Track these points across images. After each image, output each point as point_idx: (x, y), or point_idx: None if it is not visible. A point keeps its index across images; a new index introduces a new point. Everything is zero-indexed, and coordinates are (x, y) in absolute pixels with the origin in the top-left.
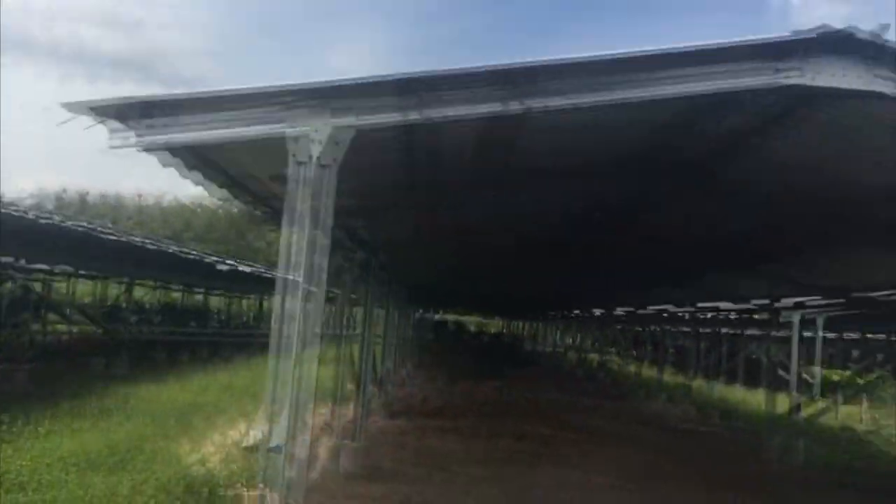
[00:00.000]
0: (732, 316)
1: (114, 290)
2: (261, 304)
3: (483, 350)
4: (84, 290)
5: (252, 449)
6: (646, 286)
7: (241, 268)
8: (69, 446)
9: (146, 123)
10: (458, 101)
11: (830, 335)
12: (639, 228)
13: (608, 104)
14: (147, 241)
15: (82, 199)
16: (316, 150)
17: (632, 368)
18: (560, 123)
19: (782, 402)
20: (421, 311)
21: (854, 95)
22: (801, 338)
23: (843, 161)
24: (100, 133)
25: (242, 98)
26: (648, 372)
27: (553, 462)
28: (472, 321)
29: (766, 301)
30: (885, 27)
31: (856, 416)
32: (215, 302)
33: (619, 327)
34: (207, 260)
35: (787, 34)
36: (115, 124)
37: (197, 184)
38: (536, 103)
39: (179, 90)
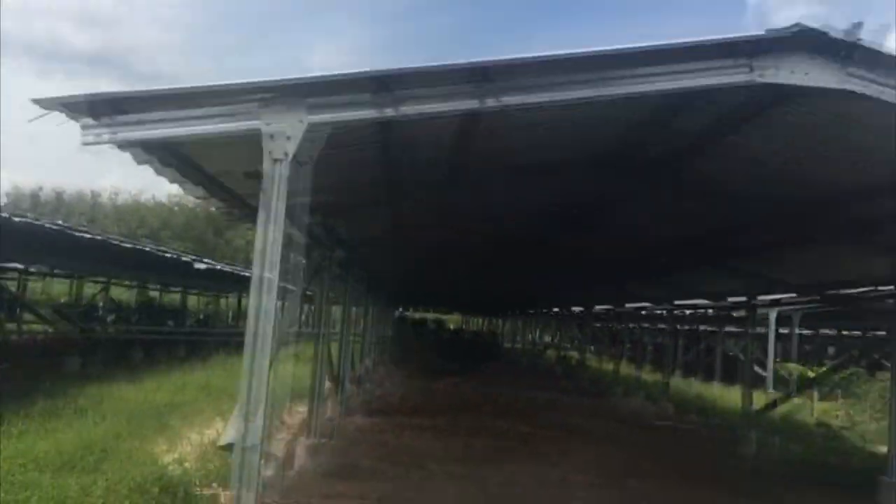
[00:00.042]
0: (710, 313)
1: (89, 289)
2: (239, 303)
3: (462, 348)
4: (61, 289)
5: (227, 448)
6: (622, 283)
7: (218, 266)
8: (43, 446)
9: (120, 120)
10: (434, 97)
11: (806, 332)
12: (614, 225)
13: (583, 101)
14: (123, 240)
15: (59, 197)
16: (292, 147)
17: (610, 366)
18: (536, 121)
19: (759, 399)
20: (400, 309)
21: (827, 94)
22: (778, 335)
23: (817, 159)
24: (75, 129)
25: (217, 94)
26: (626, 369)
27: (532, 460)
28: (451, 320)
29: (743, 298)
30: (858, 26)
31: (831, 411)
32: (193, 301)
33: (597, 325)
34: (185, 258)
35: (761, 32)
36: (88, 121)
37: (172, 181)
38: (513, 100)
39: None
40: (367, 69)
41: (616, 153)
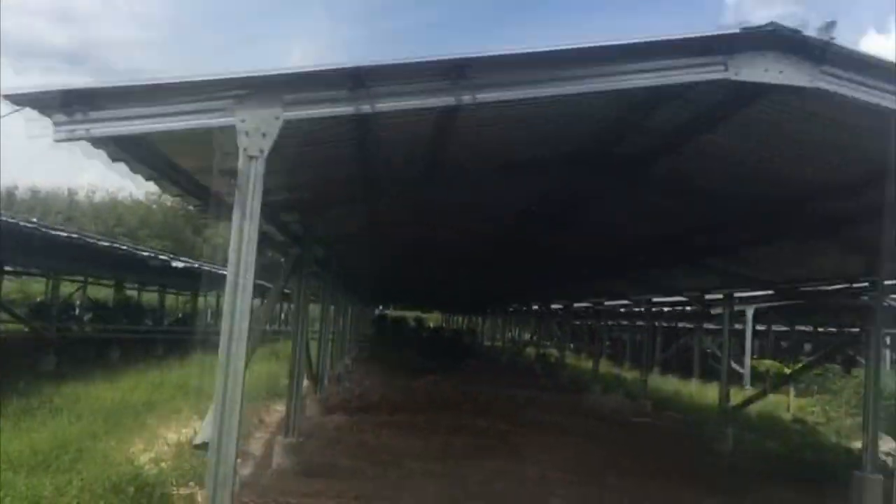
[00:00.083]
0: (688, 310)
1: (67, 288)
2: (217, 302)
3: (441, 346)
4: (38, 288)
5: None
6: (600, 281)
7: (196, 265)
8: (17, 446)
9: (93, 116)
10: (410, 93)
11: (783, 329)
12: (590, 223)
13: (559, 97)
14: (100, 238)
15: (34, 195)
16: (267, 144)
17: (589, 364)
18: (512, 117)
19: (736, 395)
20: (380, 307)
21: (800, 92)
22: (755, 332)
23: (791, 157)
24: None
25: (192, 89)
26: (605, 367)
27: (511, 457)
28: (431, 318)
29: (720, 296)
30: (831, 25)
31: (807, 408)
32: (171, 300)
33: (576, 323)
34: (162, 257)
35: (734, 30)
36: (60, 116)
37: (147, 179)
38: (489, 96)
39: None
40: (344, 64)
41: (592, 150)
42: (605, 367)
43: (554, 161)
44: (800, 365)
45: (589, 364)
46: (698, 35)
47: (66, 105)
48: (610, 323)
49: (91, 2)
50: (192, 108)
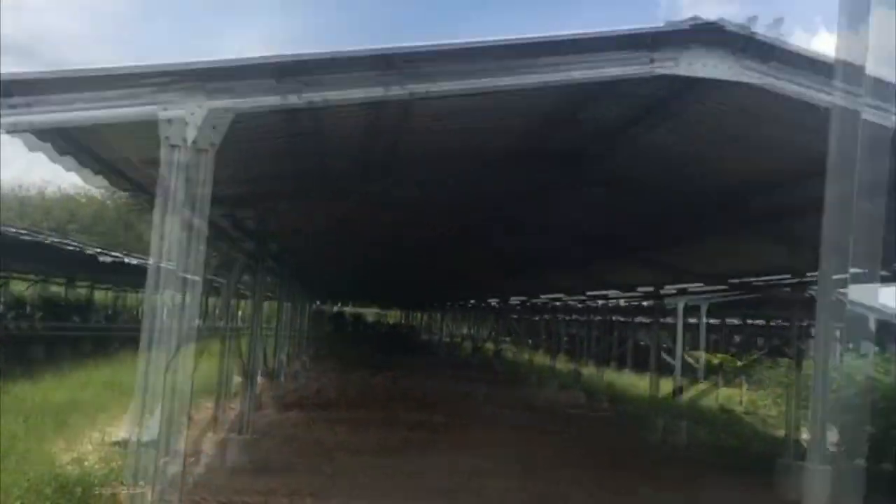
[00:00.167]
0: (622, 304)
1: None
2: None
3: (381, 341)
4: None
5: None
6: (536, 275)
7: (126, 260)
8: None
9: (7, 103)
10: (340, 85)
11: (714, 322)
12: (527, 217)
13: (488, 90)
14: (21, 232)
15: None
16: (191, 133)
17: (527, 357)
18: (449, 111)
19: (668, 386)
20: (318, 303)
21: (724, 86)
22: (687, 325)
23: (721, 152)
24: None
25: (114, 78)
26: (542, 360)
27: (445, 450)
28: (371, 313)
29: (651, 288)
30: (753, 19)
31: (735, 397)
32: (102, 296)
33: (514, 317)
34: (89, 251)
35: (661, 25)
36: None
37: (69, 170)
38: (419, 88)
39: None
40: (270, 56)
41: (528, 145)
42: (541, 359)
43: (487, 155)
44: (729, 356)
45: (546, 360)
46: (627, 30)
47: None
48: (546, 317)
49: None
50: (113, 96)
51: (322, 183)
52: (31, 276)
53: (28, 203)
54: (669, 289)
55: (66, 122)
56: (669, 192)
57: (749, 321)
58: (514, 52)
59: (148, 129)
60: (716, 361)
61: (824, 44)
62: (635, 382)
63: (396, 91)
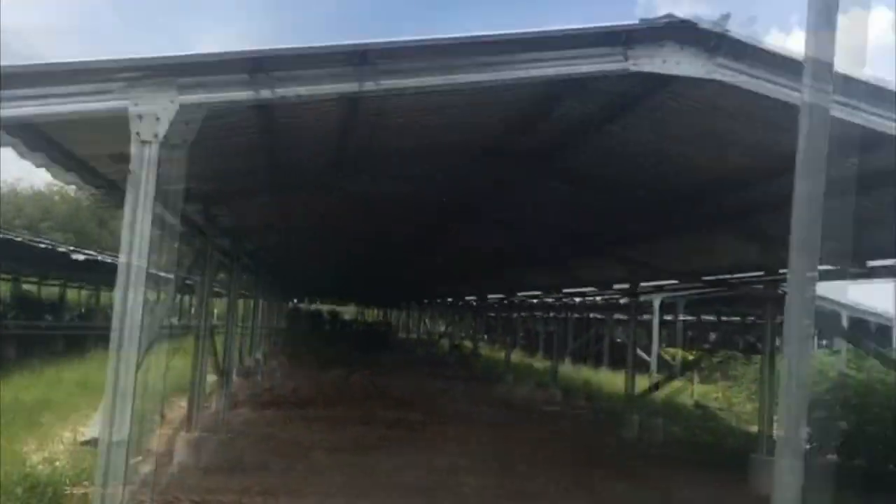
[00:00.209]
0: (599, 301)
1: None
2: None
3: (359, 339)
4: None
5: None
6: (513, 272)
7: (99, 258)
8: None
9: None
10: (313, 79)
11: (690, 318)
12: (501, 214)
13: (461, 86)
14: None
15: None
16: (162, 129)
17: (503, 354)
18: (423, 107)
19: (644, 383)
20: (296, 301)
21: (698, 84)
22: (663, 322)
23: (695, 148)
24: None
25: (84, 72)
26: (519, 357)
27: (421, 448)
28: (349, 311)
29: (627, 285)
30: (726, 17)
31: (710, 394)
32: (74, 294)
33: (491, 315)
34: (61, 249)
35: (635, 22)
36: None
37: (40, 166)
38: (392, 83)
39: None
40: (243, 49)
41: (501, 141)
42: (518, 357)
43: (462, 152)
44: (702, 353)
45: (502, 355)
46: (599, 26)
47: None
48: (523, 314)
49: None
50: (83, 91)
51: (296, 179)
52: (3, 275)
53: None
54: (646, 286)
55: (35, 116)
56: (644, 189)
57: (725, 318)
58: (490, 49)
59: (119, 125)
60: (691, 358)
61: (799, 43)
62: (612, 379)
63: (370, 87)
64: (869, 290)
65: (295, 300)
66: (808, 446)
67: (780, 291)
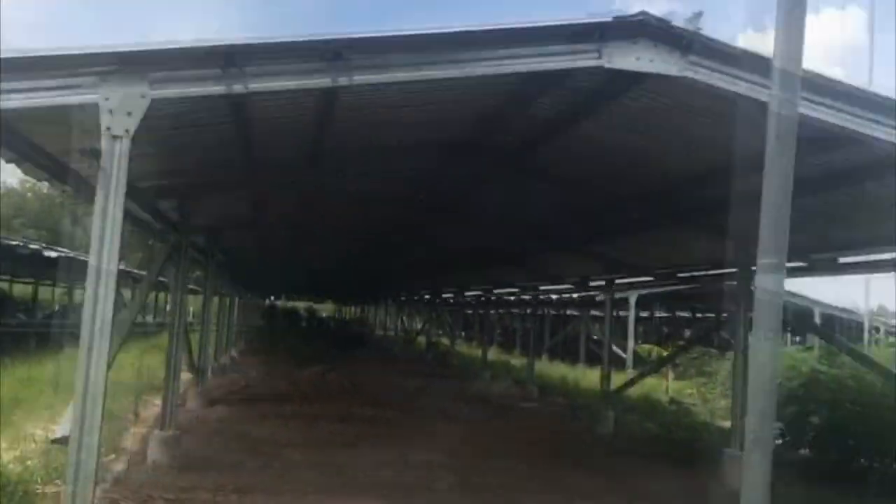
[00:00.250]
0: (575, 297)
1: None
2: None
3: (333, 336)
4: None
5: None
6: (489, 269)
7: (72, 255)
8: None
9: None
10: (285, 73)
11: (665, 315)
12: (476, 210)
13: (435, 81)
14: None
15: None
16: (133, 124)
17: (480, 351)
18: (397, 102)
19: (620, 379)
20: (272, 298)
21: (670, 81)
22: (639, 318)
23: (663, 145)
24: None
25: (53, 64)
26: (496, 354)
27: (397, 444)
28: (324, 308)
29: (602, 282)
30: (699, 15)
31: (685, 390)
32: (47, 292)
33: (468, 311)
34: (33, 246)
35: (607, 18)
36: None
37: (8, 161)
38: (365, 78)
39: None
40: (215, 42)
41: (475, 137)
42: (495, 354)
43: (437, 147)
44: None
45: (479, 352)
46: (572, 22)
47: None
48: (500, 311)
49: None
50: (52, 84)
51: (272, 175)
52: None
53: None
54: (621, 283)
55: (2, 110)
56: (618, 185)
57: (699, 314)
58: (462, 43)
59: (90, 119)
60: (666, 354)
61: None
62: (588, 376)
63: (343, 81)
64: (839, 288)
65: (272, 297)
66: (779, 441)
67: (751, 288)
